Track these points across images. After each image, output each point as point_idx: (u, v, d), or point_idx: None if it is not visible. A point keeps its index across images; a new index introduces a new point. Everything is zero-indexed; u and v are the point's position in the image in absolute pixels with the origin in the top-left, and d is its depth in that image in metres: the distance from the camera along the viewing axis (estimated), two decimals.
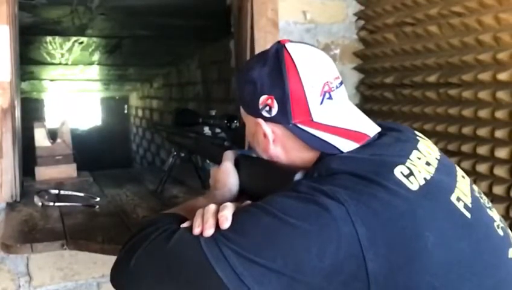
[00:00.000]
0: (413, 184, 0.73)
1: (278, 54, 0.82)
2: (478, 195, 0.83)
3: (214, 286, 0.69)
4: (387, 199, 0.70)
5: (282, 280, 0.67)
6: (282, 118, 0.81)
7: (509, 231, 0.83)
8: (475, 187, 0.85)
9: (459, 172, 0.85)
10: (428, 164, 0.79)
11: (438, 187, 0.76)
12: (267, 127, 0.83)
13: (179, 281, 0.73)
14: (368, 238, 0.67)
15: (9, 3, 1.54)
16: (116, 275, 0.79)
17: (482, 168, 1.42)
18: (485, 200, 0.84)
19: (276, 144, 0.85)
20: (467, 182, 0.83)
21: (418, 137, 0.86)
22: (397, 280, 0.67)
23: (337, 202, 0.69)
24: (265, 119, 0.83)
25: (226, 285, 0.68)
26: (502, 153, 1.35)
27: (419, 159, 0.78)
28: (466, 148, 1.47)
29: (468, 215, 0.75)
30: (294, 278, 0.67)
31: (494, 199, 1.38)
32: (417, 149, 0.81)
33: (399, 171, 0.74)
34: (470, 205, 0.77)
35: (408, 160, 0.77)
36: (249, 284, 0.67)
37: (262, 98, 0.82)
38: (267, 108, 0.82)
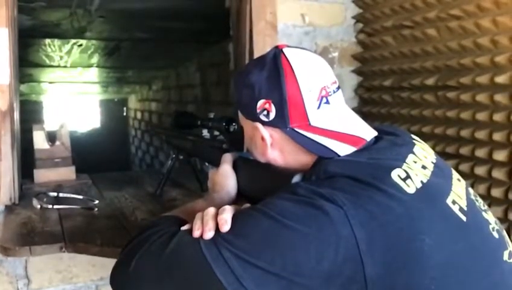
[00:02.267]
0: (410, 187, 0.73)
1: (275, 58, 0.82)
2: (473, 198, 0.84)
3: (213, 288, 0.69)
4: (385, 202, 0.70)
5: (281, 283, 0.68)
6: (280, 122, 0.82)
7: (504, 233, 0.84)
8: (470, 190, 0.85)
9: (455, 175, 0.85)
10: (424, 167, 0.79)
11: (434, 190, 0.77)
12: (265, 131, 0.84)
13: (178, 284, 0.73)
14: (365, 241, 0.67)
15: (9, 6, 1.54)
16: (116, 278, 0.79)
17: (480, 170, 1.42)
18: (480, 203, 0.85)
19: (273, 147, 0.85)
20: (462, 185, 0.84)
21: (414, 141, 0.87)
22: (394, 282, 0.68)
23: (335, 205, 0.69)
24: (263, 123, 0.83)
25: (225, 287, 0.68)
26: (500, 155, 1.36)
27: (415, 162, 0.79)
28: (464, 150, 1.48)
29: (464, 218, 0.76)
30: (293, 281, 0.68)
31: (492, 201, 1.38)
32: (413, 153, 0.81)
33: (396, 174, 0.74)
34: (465, 208, 0.78)
35: (404, 163, 0.77)
36: (248, 287, 0.68)
37: (260, 103, 0.82)
38: (265, 112, 0.82)
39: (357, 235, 0.67)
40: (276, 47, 0.85)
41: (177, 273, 0.72)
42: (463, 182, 0.85)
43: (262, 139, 0.85)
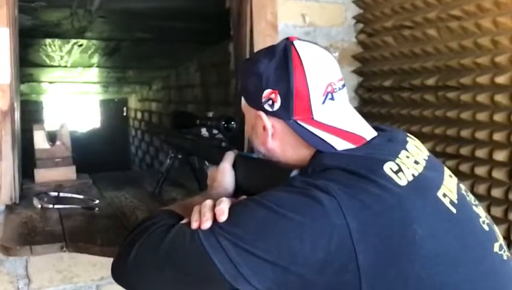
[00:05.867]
0: (402, 180, 0.75)
1: (286, 50, 0.83)
2: (464, 193, 0.86)
3: (211, 275, 0.71)
4: (378, 193, 0.72)
5: (277, 271, 0.70)
6: (284, 113, 0.83)
7: (495, 227, 0.86)
8: (462, 186, 0.87)
9: (447, 171, 0.87)
10: (416, 162, 0.81)
11: (426, 183, 0.79)
12: (268, 121, 0.85)
13: (177, 272, 0.75)
14: (358, 231, 0.69)
15: (10, 6, 1.54)
16: (117, 268, 0.81)
17: (480, 170, 1.42)
18: (471, 198, 0.87)
19: (274, 138, 0.86)
20: (453, 181, 0.85)
21: (408, 138, 0.88)
22: (386, 271, 0.70)
23: (329, 195, 0.71)
24: (267, 112, 0.85)
25: (223, 274, 0.70)
26: (500, 155, 1.36)
27: (407, 157, 0.81)
28: (464, 151, 1.48)
29: (454, 210, 0.78)
30: (288, 269, 0.69)
31: (492, 201, 1.38)
32: (406, 149, 0.83)
33: (388, 167, 0.76)
34: (455, 201, 0.79)
35: (397, 158, 0.79)
36: (245, 274, 0.70)
37: (266, 92, 0.83)
38: (270, 102, 0.83)
39: (350, 224, 0.69)
40: (287, 39, 0.86)
41: (176, 261, 0.74)
42: (454, 179, 0.87)
43: (264, 128, 0.86)
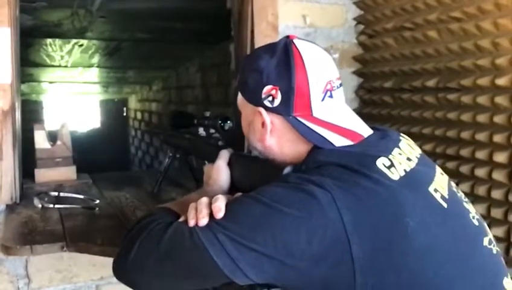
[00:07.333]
0: (394, 174, 0.77)
1: (286, 47, 0.84)
2: (455, 190, 0.87)
3: (210, 271, 0.73)
4: (371, 186, 0.74)
5: (274, 264, 0.71)
6: (284, 109, 0.84)
7: (484, 223, 0.87)
8: (453, 183, 0.89)
9: (438, 169, 0.89)
10: (409, 159, 0.83)
11: (417, 178, 0.81)
12: (267, 117, 0.85)
13: (177, 268, 0.76)
14: (352, 224, 0.71)
15: (11, 6, 1.54)
16: (118, 267, 0.82)
17: (480, 172, 1.42)
18: (461, 195, 0.89)
19: (272, 134, 0.87)
20: (444, 178, 0.87)
21: (400, 137, 0.90)
22: (380, 263, 0.71)
23: (323, 189, 0.72)
24: (266, 109, 0.85)
25: (221, 269, 0.72)
26: (500, 157, 1.36)
27: (400, 154, 0.83)
28: (465, 152, 1.48)
29: (445, 205, 0.80)
30: (285, 263, 0.71)
31: (492, 203, 1.39)
32: (398, 147, 0.85)
33: (381, 162, 0.78)
34: (446, 197, 0.81)
35: (390, 154, 0.81)
36: (243, 268, 0.72)
37: (267, 88, 0.84)
38: (270, 98, 0.84)
39: (344, 217, 0.71)
40: (287, 37, 0.87)
41: (176, 258, 0.76)
42: (445, 176, 0.89)
43: (263, 124, 0.87)
